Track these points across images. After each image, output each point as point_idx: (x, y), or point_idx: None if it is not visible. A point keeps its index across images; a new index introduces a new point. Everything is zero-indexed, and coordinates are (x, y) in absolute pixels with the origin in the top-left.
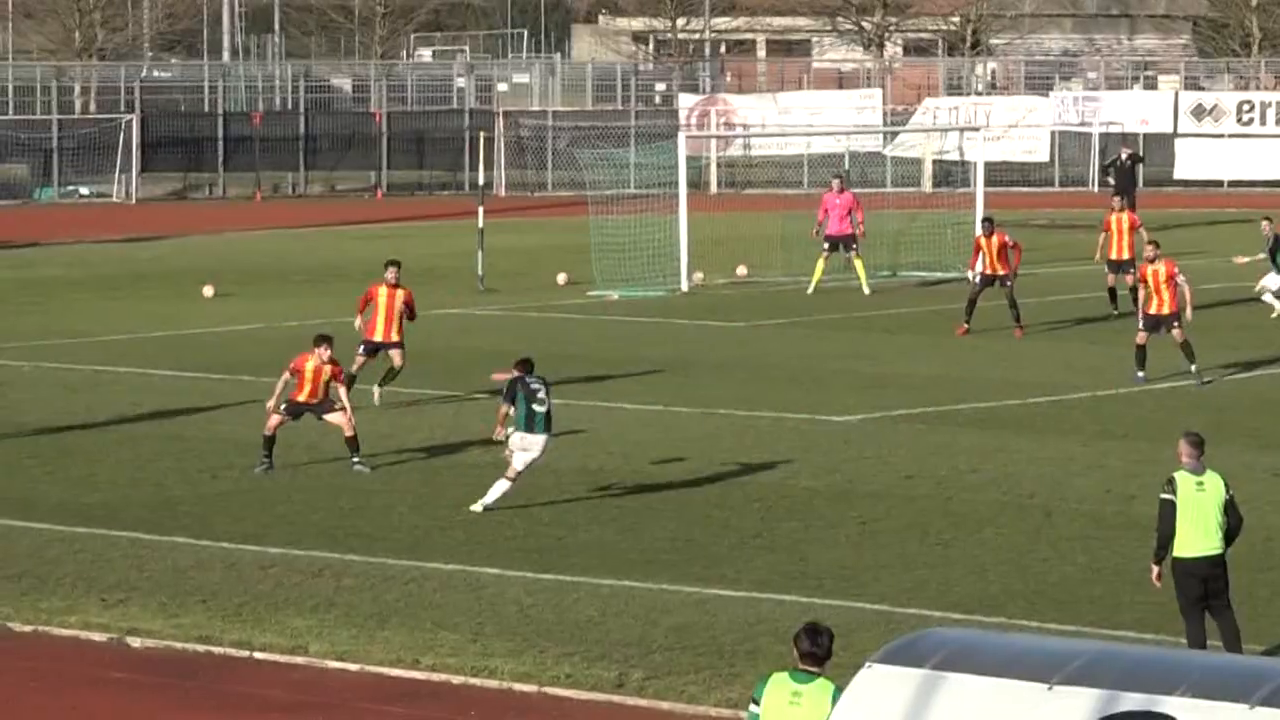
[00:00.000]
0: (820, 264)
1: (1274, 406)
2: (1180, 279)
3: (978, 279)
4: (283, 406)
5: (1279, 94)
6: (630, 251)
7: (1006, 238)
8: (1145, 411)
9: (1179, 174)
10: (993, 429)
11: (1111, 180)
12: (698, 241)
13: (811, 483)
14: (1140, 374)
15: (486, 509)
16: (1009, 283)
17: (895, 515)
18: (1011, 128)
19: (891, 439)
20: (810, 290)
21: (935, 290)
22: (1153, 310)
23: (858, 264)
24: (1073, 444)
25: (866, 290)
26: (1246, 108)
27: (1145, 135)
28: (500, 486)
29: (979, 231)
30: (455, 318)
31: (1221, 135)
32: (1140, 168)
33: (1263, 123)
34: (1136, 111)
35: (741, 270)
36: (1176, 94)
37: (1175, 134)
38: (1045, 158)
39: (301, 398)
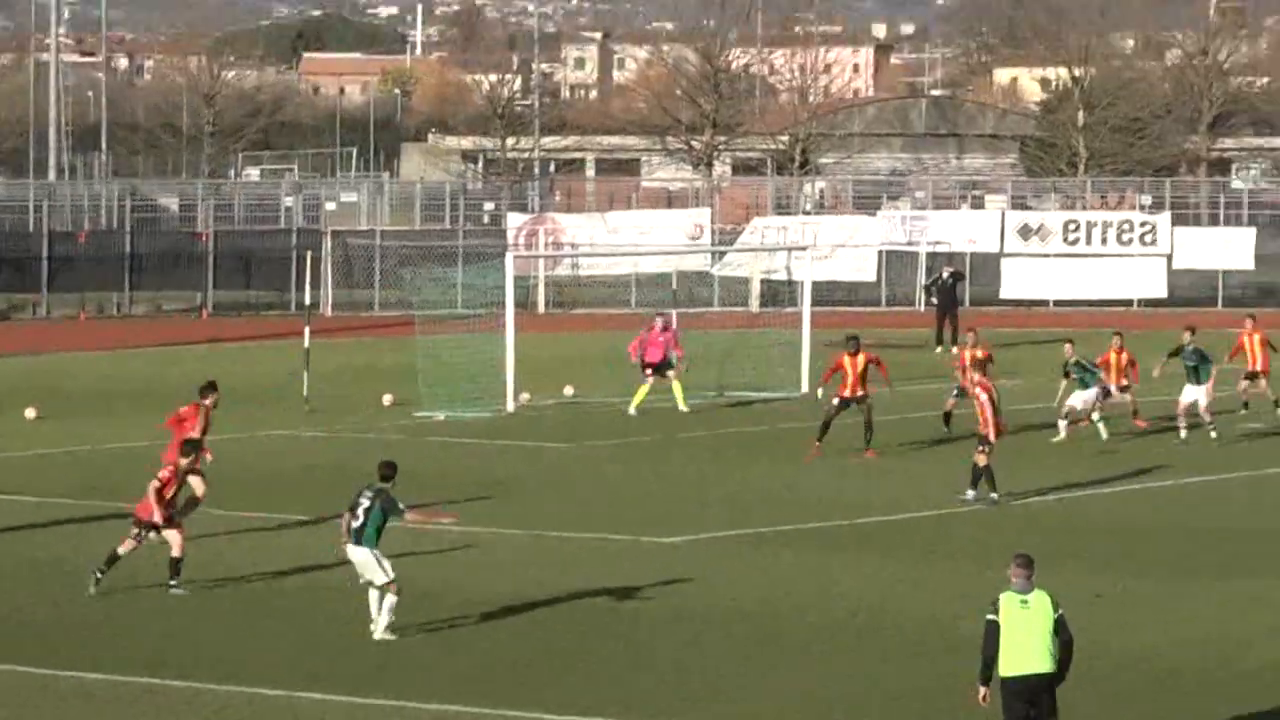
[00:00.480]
0: (644, 388)
1: (1099, 529)
2: (983, 397)
3: (835, 400)
4: (136, 533)
5: (1105, 214)
6: (457, 372)
7: (872, 355)
8: (972, 531)
9: (1005, 293)
10: (819, 549)
11: (934, 300)
12: (525, 361)
13: (636, 605)
14: (970, 494)
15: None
16: (868, 402)
17: (720, 638)
18: (839, 247)
19: (717, 560)
20: (631, 410)
21: (763, 410)
22: (978, 428)
23: (676, 386)
24: (898, 564)
25: (684, 408)
26: (1072, 227)
27: (972, 254)
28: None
29: (845, 349)
30: (280, 439)
31: (1047, 255)
32: (962, 286)
33: (1088, 242)
34: (964, 230)
35: (568, 390)
36: (1003, 213)
37: (1002, 253)
38: (872, 277)
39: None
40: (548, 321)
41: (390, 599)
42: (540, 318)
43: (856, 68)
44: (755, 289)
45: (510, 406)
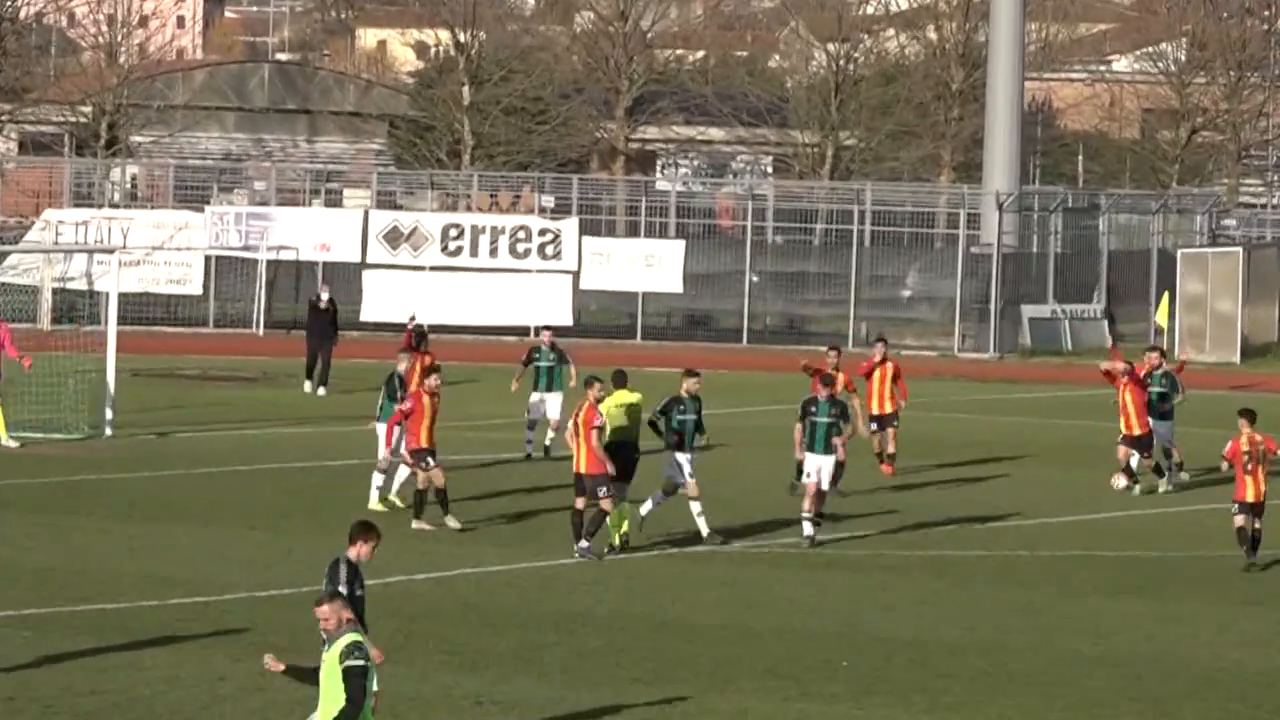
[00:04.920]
0: None
1: (476, 611)
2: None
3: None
4: None
5: (495, 217)
6: None
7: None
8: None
9: (368, 315)
10: (118, 635)
11: (307, 325)
12: None
13: None
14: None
15: None
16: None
17: None
18: (156, 250)
19: (9, 646)
20: None
21: (49, 457)
22: None
23: None
24: (221, 659)
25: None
26: (454, 234)
27: (326, 264)
28: None
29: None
30: None
31: (422, 268)
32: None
33: (474, 253)
34: (316, 234)
35: None
36: (366, 213)
37: (364, 264)
38: (199, 290)
39: None
40: None
41: None
42: None
43: (181, 22)
44: (47, 301)
45: None
